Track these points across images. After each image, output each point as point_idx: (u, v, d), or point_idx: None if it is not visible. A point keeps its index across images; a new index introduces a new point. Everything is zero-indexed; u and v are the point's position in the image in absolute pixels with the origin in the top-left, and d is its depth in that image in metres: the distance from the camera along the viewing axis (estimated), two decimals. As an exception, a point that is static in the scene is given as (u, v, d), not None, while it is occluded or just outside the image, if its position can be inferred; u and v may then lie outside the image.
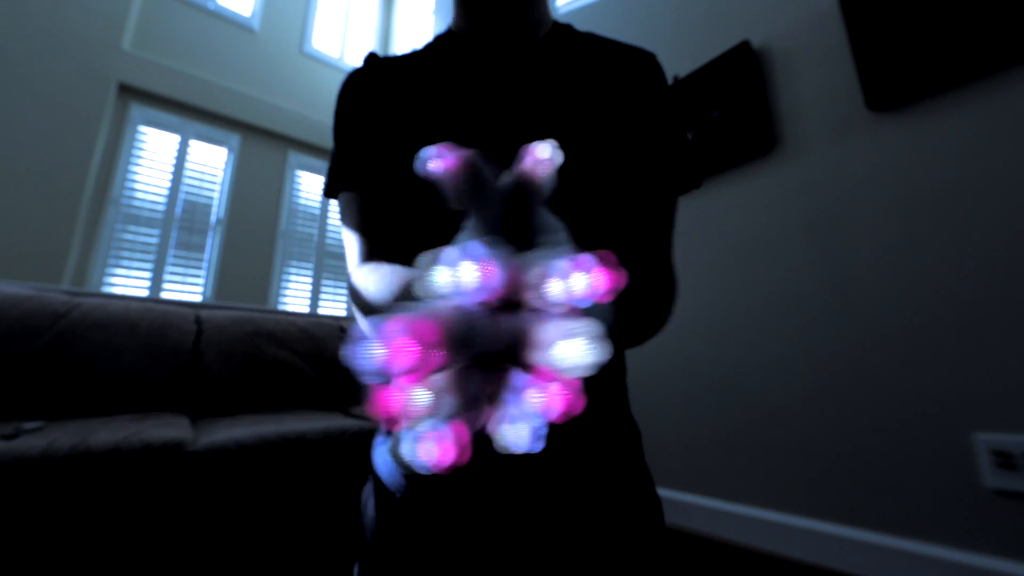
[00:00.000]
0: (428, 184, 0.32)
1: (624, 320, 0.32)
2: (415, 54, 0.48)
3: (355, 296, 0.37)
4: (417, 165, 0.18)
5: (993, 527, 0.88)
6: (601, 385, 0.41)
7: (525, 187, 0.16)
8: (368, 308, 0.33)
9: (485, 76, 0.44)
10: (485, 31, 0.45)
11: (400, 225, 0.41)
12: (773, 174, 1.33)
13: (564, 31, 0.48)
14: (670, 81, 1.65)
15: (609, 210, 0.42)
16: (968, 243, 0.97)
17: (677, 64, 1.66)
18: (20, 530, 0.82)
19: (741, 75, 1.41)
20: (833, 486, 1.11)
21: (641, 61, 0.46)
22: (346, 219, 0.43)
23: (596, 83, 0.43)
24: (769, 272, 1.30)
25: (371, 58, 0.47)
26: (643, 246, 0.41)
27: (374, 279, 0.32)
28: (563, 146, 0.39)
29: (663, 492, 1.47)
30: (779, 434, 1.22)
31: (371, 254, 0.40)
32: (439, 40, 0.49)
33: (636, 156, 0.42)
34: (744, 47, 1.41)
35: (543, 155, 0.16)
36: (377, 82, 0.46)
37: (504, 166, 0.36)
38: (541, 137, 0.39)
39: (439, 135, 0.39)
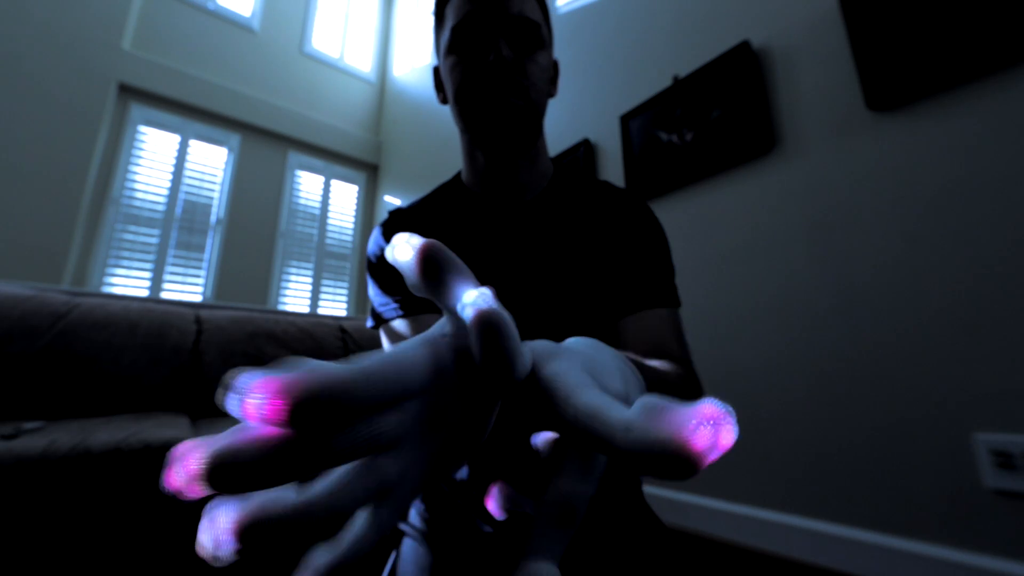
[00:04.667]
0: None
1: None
2: (432, 203, 0.54)
3: None
4: (385, 253, 0.18)
5: (993, 527, 0.88)
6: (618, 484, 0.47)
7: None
8: None
9: (496, 230, 0.50)
10: (495, 192, 0.52)
11: None
12: (773, 174, 1.33)
13: (564, 180, 0.55)
14: (670, 83, 1.66)
15: (607, 322, 0.48)
16: (968, 243, 0.97)
17: (677, 64, 1.66)
18: (20, 530, 0.82)
19: (741, 75, 1.41)
20: (833, 486, 1.11)
21: (633, 204, 0.54)
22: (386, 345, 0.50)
23: (596, 225, 0.51)
24: (769, 272, 1.30)
25: (396, 213, 0.55)
26: (667, 341, 0.45)
27: None
28: (564, 288, 0.47)
29: (663, 492, 1.47)
30: (779, 434, 1.22)
31: None
32: (453, 190, 0.55)
33: (635, 279, 0.49)
34: (744, 47, 1.41)
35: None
36: (403, 229, 0.53)
37: (517, 310, 0.40)
38: (548, 282, 0.46)
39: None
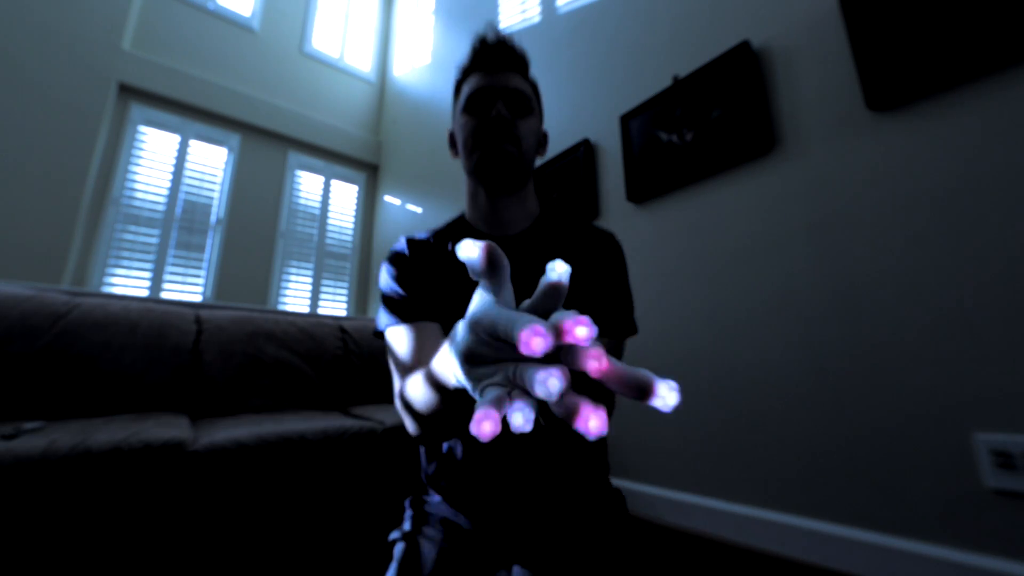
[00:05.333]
0: (450, 323, 0.58)
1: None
2: (439, 234, 0.68)
3: (405, 404, 0.51)
4: (455, 251, 0.30)
5: (993, 527, 0.88)
6: (585, 458, 0.60)
7: (554, 287, 0.26)
8: (413, 408, 0.49)
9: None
10: (490, 226, 0.66)
11: (434, 348, 0.56)
12: (773, 174, 1.33)
13: (550, 217, 0.69)
14: (670, 83, 1.66)
15: None
16: (968, 243, 0.97)
17: (677, 64, 1.66)
18: (20, 530, 0.82)
19: (741, 75, 1.41)
20: (833, 486, 1.11)
21: (605, 241, 0.66)
22: (395, 348, 0.59)
23: (574, 255, 0.63)
24: (769, 272, 1.30)
25: (410, 240, 0.67)
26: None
27: (415, 385, 0.47)
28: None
29: (663, 492, 1.47)
30: (779, 434, 1.22)
31: (413, 368, 0.55)
32: (457, 224, 0.69)
33: (598, 307, 0.61)
34: (744, 47, 1.41)
35: (562, 269, 0.26)
36: (413, 258, 0.65)
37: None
38: (523, 298, 0.59)
39: (458, 298, 0.58)
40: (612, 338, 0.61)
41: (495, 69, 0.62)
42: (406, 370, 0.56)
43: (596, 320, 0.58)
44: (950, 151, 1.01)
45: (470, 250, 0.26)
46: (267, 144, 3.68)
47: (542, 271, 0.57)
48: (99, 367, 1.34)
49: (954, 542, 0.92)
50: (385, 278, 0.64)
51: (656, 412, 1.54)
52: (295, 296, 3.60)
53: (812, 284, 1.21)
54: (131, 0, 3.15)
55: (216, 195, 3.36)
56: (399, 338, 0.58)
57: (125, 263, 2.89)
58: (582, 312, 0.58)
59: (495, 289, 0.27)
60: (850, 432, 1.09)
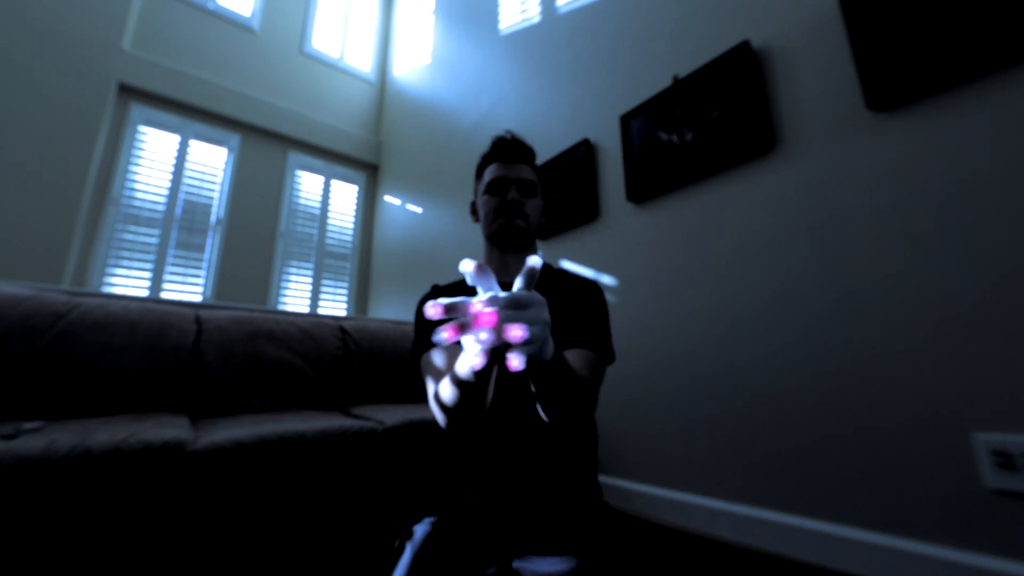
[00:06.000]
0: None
1: (557, 380, 0.56)
2: (461, 283, 0.88)
3: (438, 401, 0.64)
4: (460, 266, 0.42)
5: (993, 527, 0.88)
6: (574, 454, 0.73)
7: (530, 272, 0.43)
8: (443, 403, 0.62)
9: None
10: (501, 275, 0.83)
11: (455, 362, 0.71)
12: (773, 174, 1.33)
13: (546, 269, 0.87)
14: (670, 83, 1.66)
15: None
16: (968, 242, 0.97)
17: (677, 64, 1.66)
18: (20, 530, 0.82)
19: (741, 75, 1.41)
20: (833, 486, 1.11)
21: (589, 287, 0.83)
22: (430, 365, 0.75)
23: (564, 296, 0.80)
24: (769, 272, 1.30)
25: (435, 287, 0.88)
26: (584, 367, 0.71)
27: (444, 384, 0.61)
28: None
29: (663, 492, 1.47)
30: (779, 434, 1.22)
31: (442, 377, 0.69)
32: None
33: (582, 334, 0.75)
34: (744, 47, 1.41)
35: (535, 262, 0.42)
36: (440, 296, 0.83)
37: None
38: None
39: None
40: (594, 352, 0.76)
41: (510, 160, 0.83)
42: (439, 376, 0.71)
43: (581, 342, 0.74)
44: (950, 151, 1.01)
45: (467, 265, 0.41)
46: (267, 144, 3.68)
47: (552, 307, 0.80)
48: (99, 367, 1.34)
49: (954, 542, 0.92)
50: (418, 319, 0.84)
51: (655, 412, 1.54)
52: (295, 296, 3.60)
53: (812, 284, 1.21)
54: (131, 0, 3.16)
55: (216, 195, 3.36)
56: (437, 355, 0.75)
57: (125, 263, 2.89)
58: (569, 337, 0.75)
59: (486, 288, 0.42)
60: (850, 432, 1.09)
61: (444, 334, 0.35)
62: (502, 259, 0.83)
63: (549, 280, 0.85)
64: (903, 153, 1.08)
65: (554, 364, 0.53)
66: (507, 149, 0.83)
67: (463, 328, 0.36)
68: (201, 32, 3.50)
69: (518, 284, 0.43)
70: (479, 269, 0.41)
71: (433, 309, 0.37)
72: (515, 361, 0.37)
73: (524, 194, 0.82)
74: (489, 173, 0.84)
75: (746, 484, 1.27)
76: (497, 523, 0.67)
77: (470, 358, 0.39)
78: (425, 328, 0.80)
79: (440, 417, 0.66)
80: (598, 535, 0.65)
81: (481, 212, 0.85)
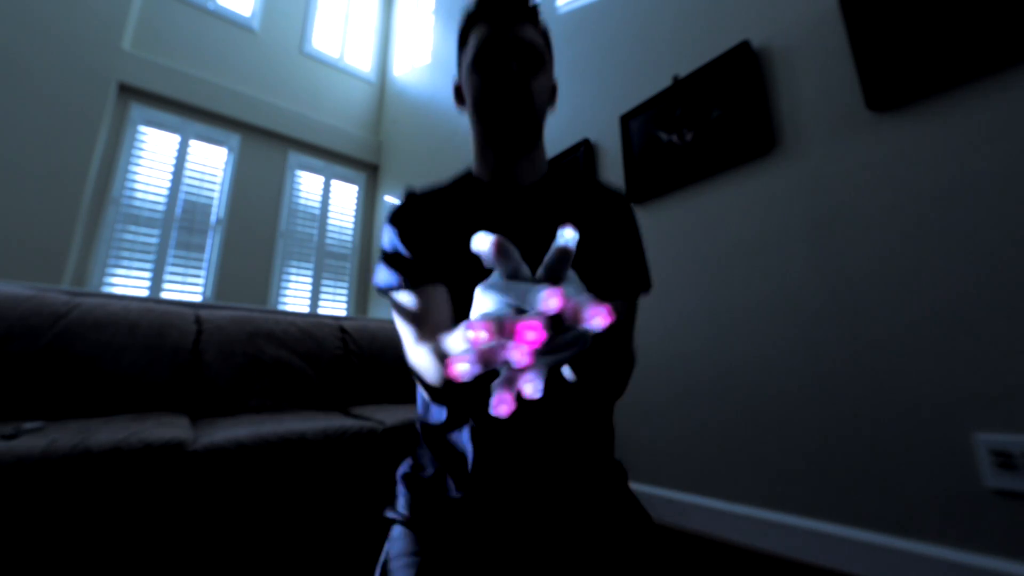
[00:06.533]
0: (462, 283, 0.56)
1: (600, 367, 0.45)
2: (446, 189, 0.64)
3: (413, 370, 0.53)
4: (471, 244, 0.31)
5: (993, 527, 0.88)
6: (591, 432, 0.57)
7: (563, 251, 0.28)
8: (422, 379, 0.49)
9: (502, 211, 0.61)
10: (500, 180, 0.62)
11: (441, 314, 0.54)
12: (773, 174, 1.33)
13: (558, 174, 0.66)
14: (670, 83, 1.66)
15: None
16: (968, 243, 0.97)
17: (677, 64, 1.66)
18: (20, 530, 0.82)
19: (741, 75, 1.41)
20: (833, 486, 1.11)
21: (615, 200, 0.64)
22: (401, 312, 0.56)
23: (585, 214, 0.62)
24: (769, 272, 1.30)
25: (412, 196, 0.63)
26: (615, 330, 0.54)
27: (423, 357, 0.48)
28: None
29: (663, 492, 1.47)
30: (779, 434, 1.22)
31: (421, 336, 0.52)
32: (464, 179, 0.65)
33: (611, 267, 0.60)
34: (744, 47, 1.41)
35: (569, 239, 0.28)
36: (418, 217, 0.60)
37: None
38: (539, 246, 0.59)
39: (466, 258, 0.56)
40: (625, 299, 0.59)
41: (505, 19, 0.56)
42: (413, 337, 0.53)
43: (609, 280, 0.59)
44: (950, 151, 1.01)
45: (482, 242, 0.28)
46: (267, 144, 3.68)
47: (552, 224, 0.59)
48: (99, 367, 1.34)
49: (954, 542, 0.92)
50: (389, 237, 0.59)
51: (655, 412, 1.54)
52: (295, 296, 3.60)
53: (812, 284, 1.21)
54: (131, 0, 3.16)
55: (216, 195, 3.36)
56: (406, 303, 0.56)
57: (125, 263, 2.89)
58: (594, 274, 0.58)
59: (510, 272, 0.29)
60: (849, 432, 1.09)
61: (463, 366, 0.24)
62: (500, 163, 0.61)
63: (565, 190, 0.64)
64: (903, 153, 1.08)
65: (593, 350, 0.42)
66: (500, 1, 0.57)
67: (488, 359, 0.24)
68: (201, 32, 3.50)
69: (544, 274, 0.28)
70: (499, 248, 0.28)
71: (486, 245, 0.27)
72: (529, 387, 0.25)
73: (528, 68, 0.57)
74: (476, 37, 0.58)
75: (745, 484, 1.27)
76: (502, 532, 0.51)
77: (526, 388, 0.25)
78: (400, 253, 0.58)
79: (419, 381, 0.52)
80: (638, 550, 0.51)
81: (468, 97, 0.60)
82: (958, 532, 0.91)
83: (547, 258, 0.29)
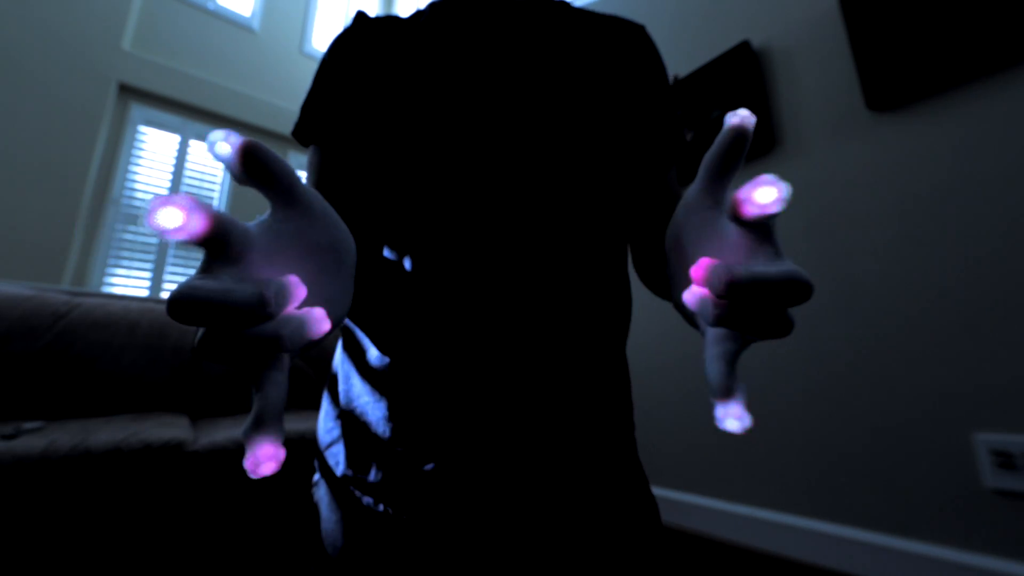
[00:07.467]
0: (406, 145, 0.37)
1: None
2: (413, 18, 0.46)
3: None
4: (207, 146, 0.18)
5: (993, 527, 0.88)
6: (609, 417, 0.40)
7: (740, 132, 0.20)
8: None
9: (483, 35, 0.43)
10: None
11: (365, 187, 0.40)
12: (773, 174, 1.33)
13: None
14: (670, 81, 1.66)
15: (623, 174, 0.42)
16: (968, 243, 0.97)
17: (677, 64, 1.66)
18: (20, 530, 0.82)
19: (741, 75, 1.41)
20: (833, 486, 1.10)
21: (636, 35, 0.47)
22: (309, 171, 0.43)
23: (591, 49, 0.44)
24: (769, 272, 1.30)
25: (360, 16, 0.45)
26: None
27: None
28: (563, 106, 0.41)
29: (663, 492, 1.47)
30: (779, 434, 1.22)
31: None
32: (439, 4, 0.46)
33: (637, 123, 0.44)
34: (744, 47, 1.41)
35: (746, 113, 0.21)
36: (371, 42, 0.43)
37: (503, 124, 0.38)
38: (540, 99, 0.40)
39: (438, 93, 0.39)
40: (659, 171, 0.44)
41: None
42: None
43: (634, 146, 0.43)
44: (949, 151, 1.01)
45: (220, 145, 0.18)
46: (267, 144, 3.68)
47: (567, 55, 0.42)
48: (99, 367, 1.34)
49: (954, 542, 0.92)
50: (320, 70, 0.44)
51: (656, 412, 1.54)
52: (295, 296, 3.60)
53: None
54: (131, 0, 3.16)
55: (216, 195, 3.36)
56: (310, 165, 0.43)
57: (125, 263, 2.89)
58: (615, 134, 0.41)
59: (279, 206, 0.19)
60: (850, 432, 1.09)
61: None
62: None
63: (569, 15, 0.46)
64: (903, 153, 1.08)
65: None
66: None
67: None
68: (201, 32, 3.50)
69: None
70: (245, 152, 0.18)
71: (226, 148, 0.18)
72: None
73: None
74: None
75: (746, 485, 1.27)
76: (489, 521, 0.35)
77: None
78: (335, 89, 0.42)
79: None
80: (652, 554, 0.38)
81: None
82: (958, 532, 0.91)
83: (718, 145, 0.21)
